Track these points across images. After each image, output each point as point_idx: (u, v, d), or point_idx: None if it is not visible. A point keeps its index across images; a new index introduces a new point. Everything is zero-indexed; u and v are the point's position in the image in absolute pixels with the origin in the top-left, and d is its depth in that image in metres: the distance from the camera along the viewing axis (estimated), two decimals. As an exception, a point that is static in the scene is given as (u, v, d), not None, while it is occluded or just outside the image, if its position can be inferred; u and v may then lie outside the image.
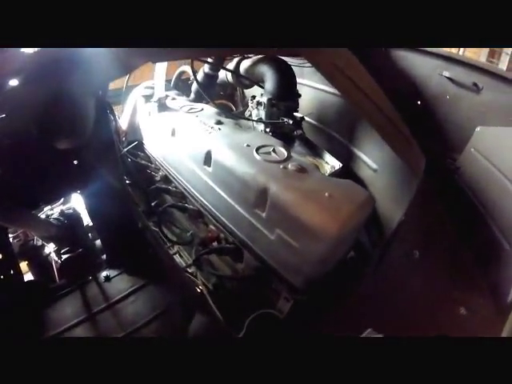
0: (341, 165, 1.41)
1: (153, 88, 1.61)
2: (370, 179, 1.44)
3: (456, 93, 1.51)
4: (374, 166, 1.43)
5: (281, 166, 1.11)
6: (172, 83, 1.85)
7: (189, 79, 1.91)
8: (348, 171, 1.49)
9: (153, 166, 1.61)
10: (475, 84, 1.44)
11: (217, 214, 1.31)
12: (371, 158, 1.45)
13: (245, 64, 1.54)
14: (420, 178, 1.24)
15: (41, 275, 1.66)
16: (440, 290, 1.46)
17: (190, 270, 1.47)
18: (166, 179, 1.55)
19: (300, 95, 1.49)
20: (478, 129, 1.54)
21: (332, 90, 1.60)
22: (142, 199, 1.59)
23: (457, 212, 1.58)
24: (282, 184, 1.04)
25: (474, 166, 1.70)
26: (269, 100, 1.42)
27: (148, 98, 1.64)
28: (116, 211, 1.47)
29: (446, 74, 1.52)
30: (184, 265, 1.51)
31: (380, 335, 0.53)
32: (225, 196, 1.23)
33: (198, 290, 1.31)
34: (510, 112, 1.42)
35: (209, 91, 1.68)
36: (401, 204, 1.30)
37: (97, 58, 0.91)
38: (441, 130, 1.66)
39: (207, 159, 1.26)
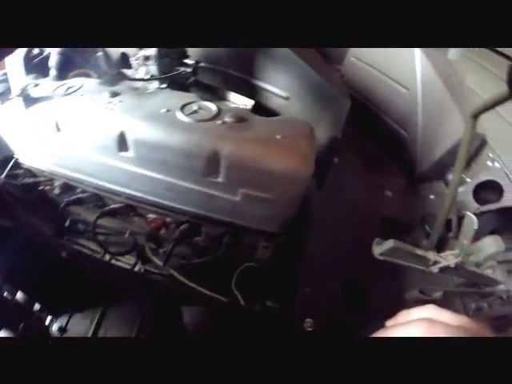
0: (253, 102, 1.35)
1: (3, 82, 1.18)
2: (284, 108, 1.44)
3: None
4: (284, 94, 1.43)
5: (218, 122, 0.99)
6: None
7: (35, 56, 1.45)
8: (258, 106, 1.45)
9: (42, 179, 1.24)
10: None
11: (155, 199, 1.13)
12: (279, 87, 1.43)
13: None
14: (348, 94, 1.30)
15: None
16: (367, 182, 1.68)
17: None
18: (68, 188, 1.24)
19: (187, 38, 1.31)
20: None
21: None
22: (50, 222, 1.25)
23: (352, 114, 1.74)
24: (231, 141, 0.94)
25: (357, 72, 1.90)
26: (158, 51, 1.22)
27: (1, 96, 1.20)
28: (26, 255, 1.13)
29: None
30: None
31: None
32: (160, 177, 1.06)
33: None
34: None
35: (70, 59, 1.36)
36: (319, 125, 1.35)
37: None
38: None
39: (122, 143, 1.03)
